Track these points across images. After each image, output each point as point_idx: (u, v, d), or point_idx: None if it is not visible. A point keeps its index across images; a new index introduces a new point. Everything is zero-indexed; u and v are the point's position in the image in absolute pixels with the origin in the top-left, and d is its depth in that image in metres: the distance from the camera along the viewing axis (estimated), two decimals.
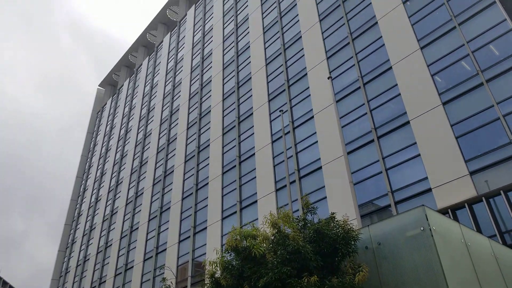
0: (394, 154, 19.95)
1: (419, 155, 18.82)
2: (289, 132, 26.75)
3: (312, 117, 25.54)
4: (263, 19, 35.39)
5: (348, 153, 21.89)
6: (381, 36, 23.68)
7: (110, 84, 69.22)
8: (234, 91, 34.50)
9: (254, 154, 28.77)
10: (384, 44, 23.27)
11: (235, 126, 32.33)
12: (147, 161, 43.72)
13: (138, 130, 49.58)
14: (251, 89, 32.65)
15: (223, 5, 43.29)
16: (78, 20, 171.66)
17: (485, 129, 17.12)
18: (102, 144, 59.07)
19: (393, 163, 19.75)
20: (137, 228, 39.53)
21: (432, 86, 19.65)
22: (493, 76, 17.68)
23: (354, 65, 24.69)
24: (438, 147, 18.19)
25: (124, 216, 43.24)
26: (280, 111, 25.22)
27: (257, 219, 24.90)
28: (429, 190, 17.79)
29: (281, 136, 26.56)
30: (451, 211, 16.78)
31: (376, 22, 24.42)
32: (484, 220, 15.96)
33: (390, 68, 22.23)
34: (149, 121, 47.97)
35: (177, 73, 46.81)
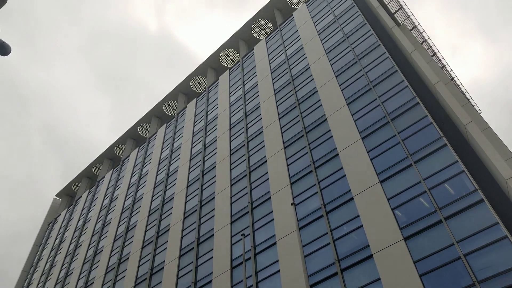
0: None
1: None
2: (250, 258, 25.52)
3: (275, 243, 24.74)
4: (230, 142, 36.55)
5: (311, 286, 20.75)
6: (342, 167, 24.57)
7: (68, 195, 66.62)
8: (196, 209, 33.68)
9: (211, 281, 26.83)
10: (345, 175, 24.02)
11: (193, 247, 30.73)
12: (93, 282, 39.82)
13: (88, 246, 46.22)
14: (214, 209, 32.01)
15: (194, 127, 44.89)
16: (52, 124, 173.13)
17: (448, 268, 16.87)
18: (48, 259, 54.16)
19: None
20: None
21: (393, 220, 19.80)
22: (451, 214, 18.12)
23: (316, 192, 25.00)
24: (403, 285, 17.54)
25: None
26: (242, 235, 24.44)
27: None
28: None
29: (242, 263, 25.23)
30: None
31: (337, 154, 25.56)
32: None
33: (352, 198, 22.57)
34: (102, 237, 45.11)
35: (139, 188, 45.90)
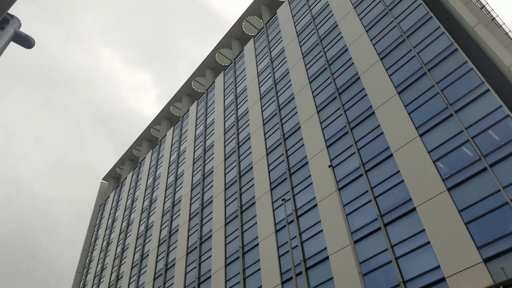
0: (403, 242, 19.08)
1: (428, 242, 17.97)
2: (292, 221, 26.02)
3: (316, 205, 25.04)
4: (262, 111, 36.63)
5: (355, 241, 21.00)
6: (379, 125, 24.17)
7: (114, 178, 69.65)
8: (236, 180, 34.41)
9: (257, 244, 27.69)
10: (382, 132, 23.65)
11: (237, 216, 31.63)
12: (148, 254, 42.13)
13: (140, 222, 48.61)
14: (253, 178, 32.57)
15: (224, 101, 45.22)
16: (99, 103, 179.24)
17: (495, 214, 16.55)
18: (104, 238, 57.56)
19: (403, 252, 18.79)
20: None
21: (435, 172, 19.47)
22: (496, 160, 17.58)
23: (354, 153, 24.84)
24: (448, 234, 17.44)
25: None
26: (282, 200, 24.95)
27: None
28: (443, 279, 16.66)
29: (285, 226, 25.79)
30: None
31: (373, 112, 25.11)
32: None
33: (391, 155, 22.30)
34: (151, 213, 47.23)
35: (179, 165, 47.25)
